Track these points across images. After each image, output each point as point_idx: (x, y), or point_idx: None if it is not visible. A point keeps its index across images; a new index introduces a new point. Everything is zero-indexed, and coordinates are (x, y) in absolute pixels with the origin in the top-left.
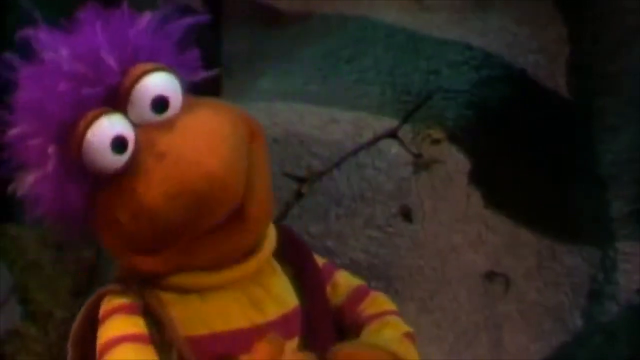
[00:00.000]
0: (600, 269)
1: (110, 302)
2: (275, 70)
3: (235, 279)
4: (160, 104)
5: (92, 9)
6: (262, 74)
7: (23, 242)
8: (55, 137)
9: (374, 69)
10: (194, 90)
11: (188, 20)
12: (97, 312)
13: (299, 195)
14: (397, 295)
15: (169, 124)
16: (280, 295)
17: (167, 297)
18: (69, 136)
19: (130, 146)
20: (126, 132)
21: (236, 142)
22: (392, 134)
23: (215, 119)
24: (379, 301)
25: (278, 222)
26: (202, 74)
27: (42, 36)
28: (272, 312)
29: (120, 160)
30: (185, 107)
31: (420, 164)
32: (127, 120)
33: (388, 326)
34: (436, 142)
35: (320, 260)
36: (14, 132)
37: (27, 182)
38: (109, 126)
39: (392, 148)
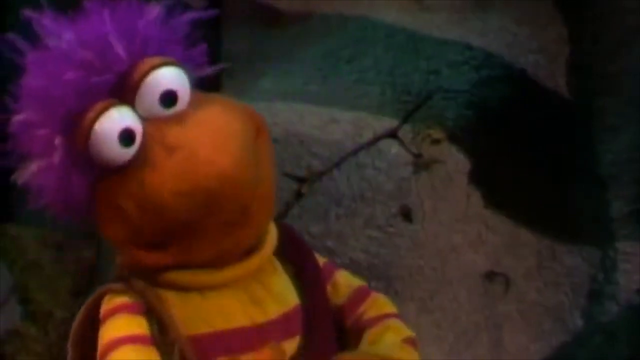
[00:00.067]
0: (600, 269)
1: (111, 301)
2: (276, 70)
3: (237, 277)
4: (169, 98)
5: None
6: (262, 74)
7: (23, 242)
8: (61, 127)
9: (374, 69)
10: (195, 89)
11: (194, 14)
12: (98, 311)
13: (299, 195)
14: (397, 296)
15: (178, 119)
16: (281, 294)
17: (168, 295)
18: (76, 127)
19: (138, 139)
20: (134, 125)
21: (246, 139)
22: (392, 134)
23: (225, 115)
24: (379, 303)
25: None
26: (208, 70)
27: (46, 22)
28: (273, 311)
29: (127, 153)
30: (193, 103)
31: (420, 164)
32: (135, 114)
33: (389, 330)
34: (436, 142)
35: (320, 260)
36: (18, 118)
37: (31, 172)
38: (118, 118)
39: (392, 148)
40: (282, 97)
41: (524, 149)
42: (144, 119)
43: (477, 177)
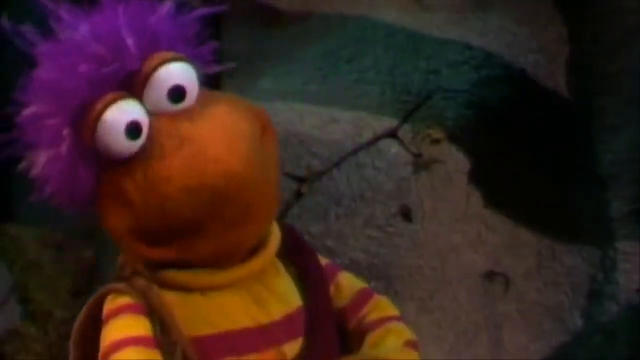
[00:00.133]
0: (600, 269)
1: (114, 302)
2: (276, 70)
3: (240, 278)
4: (177, 93)
5: None
6: (262, 74)
7: (23, 242)
8: (70, 118)
9: (374, 69)
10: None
11: (204, 11)
12: (100, 311)
13: (299, 195)
14: (397, 296)
15: (186, 114)
16: (285, 295)
17: (171, 296)
18: (84, 118)
19: (145, 133)
20: (142, 119)
21: (253, 139)
22: (392, 134)
23: (233, 114)
24: (382, 306)
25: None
26: (216, 68)
27: (63, 14)
28: (277, 312)
29: (134, 146)
30: (201, 100)
31: (420, 164)
32: (143, 108)
33: (391, 334)
34: (436, 142)
35: (323, 261)
36: (29, 110)
37: (38, 162)
38: (125, 111)
39: (392, 148)
40: (282, 97)
41: (524, 149)
42: (152, 114)
43: (477, 177)
